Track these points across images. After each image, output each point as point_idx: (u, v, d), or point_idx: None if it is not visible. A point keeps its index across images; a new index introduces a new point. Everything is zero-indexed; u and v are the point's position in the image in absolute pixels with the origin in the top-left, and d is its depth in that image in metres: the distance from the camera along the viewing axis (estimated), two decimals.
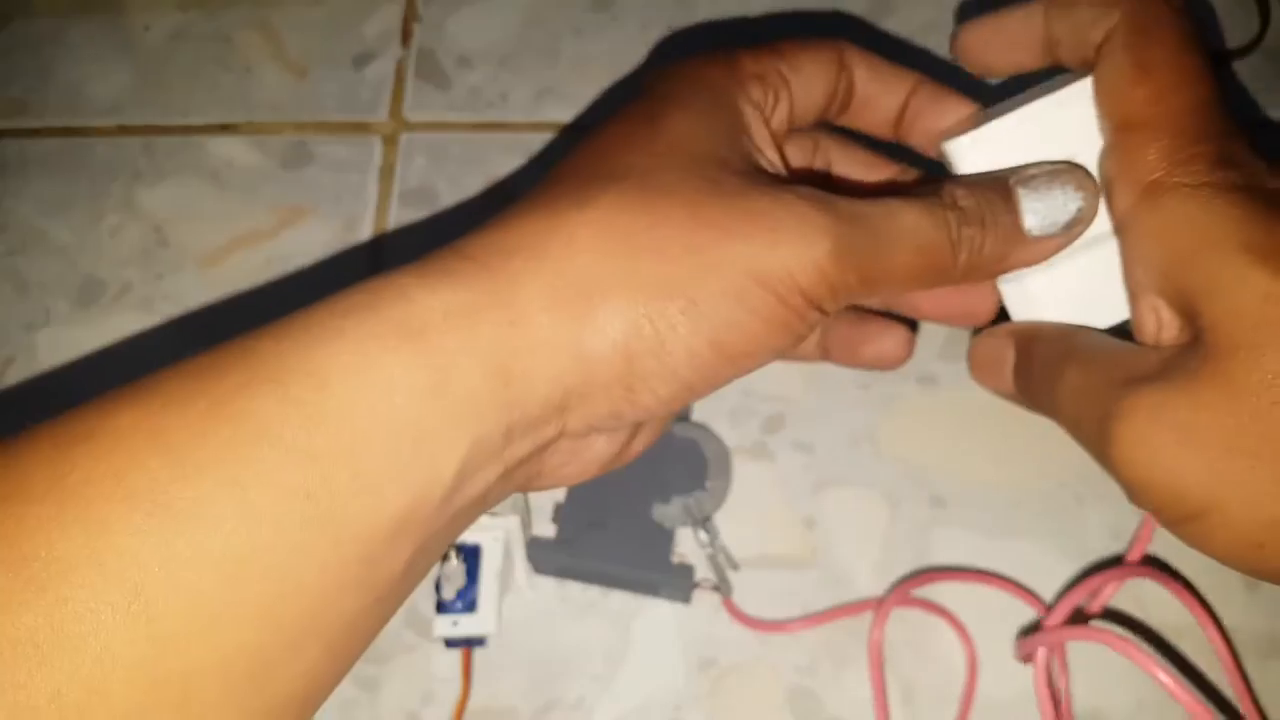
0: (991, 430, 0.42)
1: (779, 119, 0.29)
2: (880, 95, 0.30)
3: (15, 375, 0.45)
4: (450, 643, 0.39)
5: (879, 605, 0.39)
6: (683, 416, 0.43)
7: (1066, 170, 0.27)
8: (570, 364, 0.23)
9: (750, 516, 0.41)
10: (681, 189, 0.24)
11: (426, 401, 0.22)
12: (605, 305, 0.23)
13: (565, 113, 0.49)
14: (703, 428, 0.42)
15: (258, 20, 0.52)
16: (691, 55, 0.29)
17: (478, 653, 0.39)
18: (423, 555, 0.23)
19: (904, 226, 0.25)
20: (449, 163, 0.48)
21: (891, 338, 0.32)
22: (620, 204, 0.24)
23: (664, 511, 0.40)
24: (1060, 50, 0.28)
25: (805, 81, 0.29)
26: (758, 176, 0.26)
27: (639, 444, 0.29)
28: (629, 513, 0.40)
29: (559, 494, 0.41)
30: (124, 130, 0.50)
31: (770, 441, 0.42)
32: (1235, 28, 0.48)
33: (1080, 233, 0.27)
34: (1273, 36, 0.48)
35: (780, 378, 0.43)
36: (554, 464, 0.27)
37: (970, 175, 0.28)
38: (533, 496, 0.41)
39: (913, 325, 0.32)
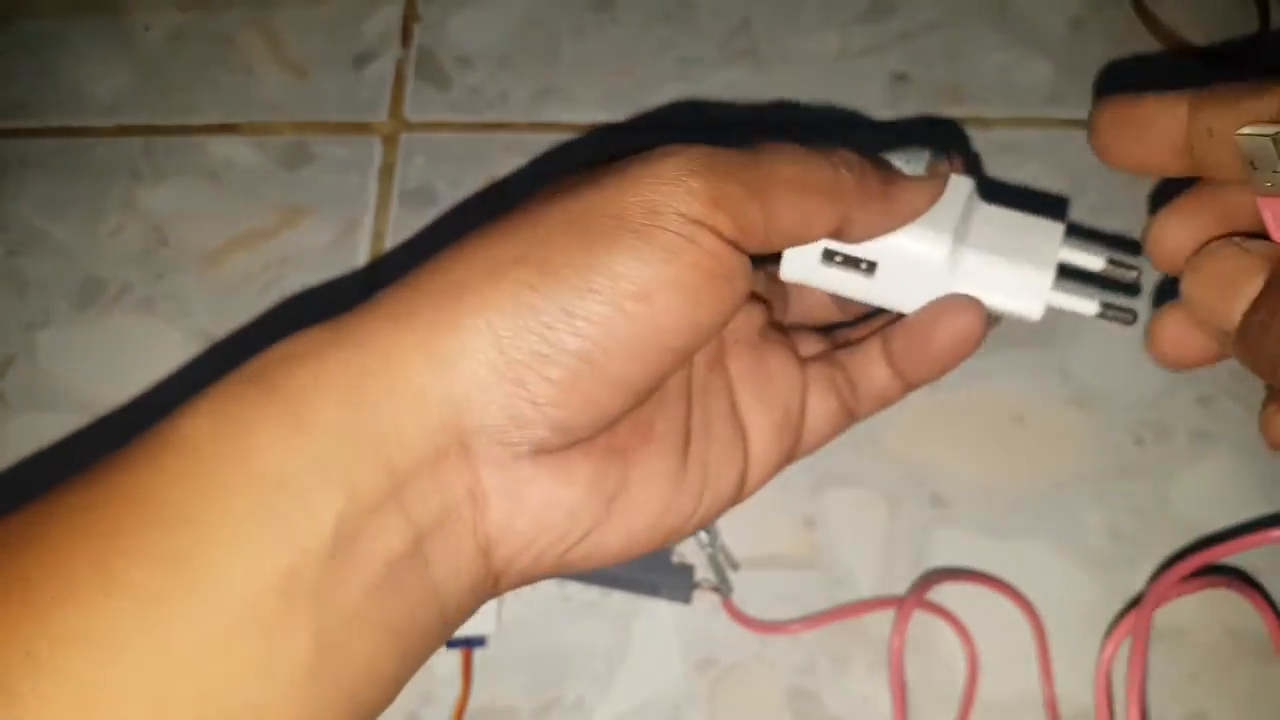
0: (991, 430, 0.42)
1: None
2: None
3: (15, 375, 0.45)
4: (450, 643, 0.39)
5: (900, 605, 0.39)
6: None
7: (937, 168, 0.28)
8: (431, 368, 0.22)
9: (750, 516, 0.41)
10: (568, 206, 0.24)
11: (287, 449, 0.21)
12: (459, 298, 0.22)
13: (565, 113, 0.49)
14: None
15: (258, 20, 0.52)
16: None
17: (478, 653, 0.39)
18: (342, 633, 0.21)
19: (783, 151, 0.25)
20: (449, 163, 0.48)
21: (956, 312, 0.29)
22: (492, 226, 0.24)
23: None
24: (1203, 164, 0.24)
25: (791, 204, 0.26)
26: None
27: (634, 514, 0.26)
28: None
29: None
30: (124, 130, 0.50)
31: None
32: (1235, 28, 0.48)
33: (945, 173, 0.28)
34: (1273, 36, 0.48)
35: None
36: (500, 518, 0.23)
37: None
38: None
39: None
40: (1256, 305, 0.23)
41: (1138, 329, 0.44)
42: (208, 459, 0.21)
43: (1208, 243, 0.25)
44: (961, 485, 0.41)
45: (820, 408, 0.31)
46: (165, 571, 0.19)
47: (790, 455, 0.30)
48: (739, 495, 0.29)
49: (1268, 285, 0.23)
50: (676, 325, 0.23)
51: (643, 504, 0.26)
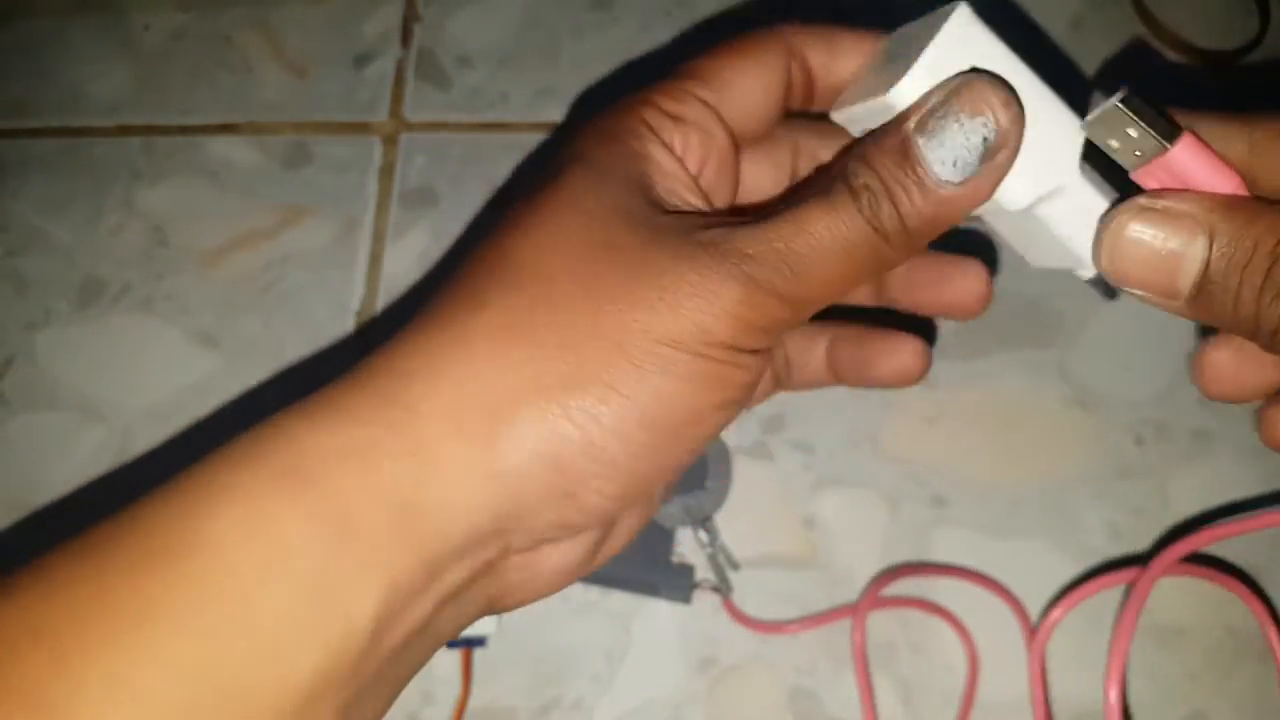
0: (991, 430, 0.42)
1: (699, 154, 0.26)
2: (843, 71, 0.27)
3: (15, 375, 0.45)
4: (450, 643, 0.39)
5: (854, 610, 0.39)
6: None
7: (957, 92, 0.23)
8: (489, 486, 0.22)
9: (750, 516, 0.41)
10: (576, 266, 0.23)
11: (326, 552, 0.20)
12: (515, 416, 0.22)
13: (565, 113, 0.49)
14: None
15: (258, 20, 0.52)
16: (606, 107, 0.27)
17: (478, 653, 0.39)
18: (361, 701, 0.21)
19: (818, 239, 0.23)
20: (449, 163, 0.48)
21: (904, 352, 0.30)
22: (514, 300, 0.23)
23: (664, 511, 0.40)
24: None
25: (740, 93, 0.26)
26: (660, 229, 0.24)
27: (618, 539, 0.27)
28: None
29: None
30: (124, 130, 0.50)
31: (770, 441, 0.42)
32: (1235, 28, 0.48)
33: (1009, 157, 0.23)
34: (1273, 36, 0.48)
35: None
36: (515, 581, 0.25)
37: (872, 134, 0.24)
38: None
39: (929, 332, 0.30)
40: (1207, 276, 0.21)
41: (1137, 328, 0.44)
42: (240, 563, 0.19)
43: (1119, 213, 0.23)
44: (961, 485, 0.41)
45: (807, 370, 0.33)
46: (186, 684, 0.19)
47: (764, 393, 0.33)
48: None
49: (1215, 253, 0.21)
50: (720, 427, 0.24)
51: (628, 529, 0.28)
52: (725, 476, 0.41)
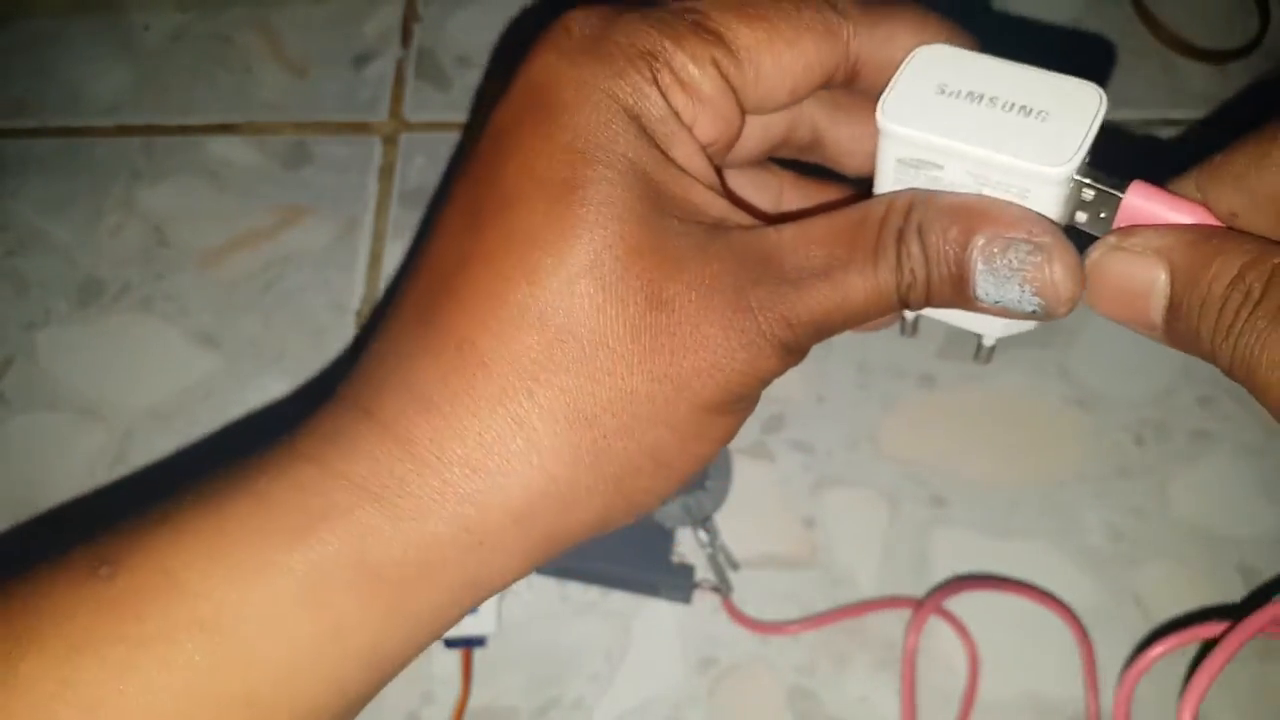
0: (991, 430, 0.42)
1: (705, 134, 0.23)
2: (897, 55, 0.23)
3: (15, 375, 0.45)
4: (450, 643, 0.39)
5: (918, 607, 0.39)
6: None
7: (1035, 259, 0.21)
8: (473, 568, 0.22)
9: (750, 516, 0.41)
10: (612, 339, 0.22)
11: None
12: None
13: None
14: None
15: (258, 20, 0.52)
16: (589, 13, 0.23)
17: (478, 653, 0.39)
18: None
19: (854, 307, 0.22)
20: (449, 163, 0.48)
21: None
22: (575, 383, 0.22)
23: (664, 511, 0.40)
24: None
25: (770, 84, 0.23)
26: (684, 250, 0.22)
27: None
28: None
29: None
30: (124, 130, 0.50)
31: (770, 441, 0.42)
32: (1235, 28, 0.48)
33: (1042, 320, 0.23)
34: (1273, 36, 0.48)
35: (780, 378, 0.43)
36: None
37: (934, 213, 0.22)
38: None
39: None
40: (1175, 312, 0.21)
41: (1136, 335, 0.44)
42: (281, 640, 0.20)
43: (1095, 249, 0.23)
44: (961, 485, 0.41)
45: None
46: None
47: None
48: None
49: (1178, 290, 0.21)
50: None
51: None
52: (725, 476, 0.41)
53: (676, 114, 0.23)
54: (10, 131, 0.50)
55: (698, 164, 0.23)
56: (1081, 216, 0.23)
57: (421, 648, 0.23)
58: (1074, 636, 0.38)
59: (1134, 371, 0.43)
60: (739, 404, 0.23)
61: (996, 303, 0.22)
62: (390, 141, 0.49)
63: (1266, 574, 0.39)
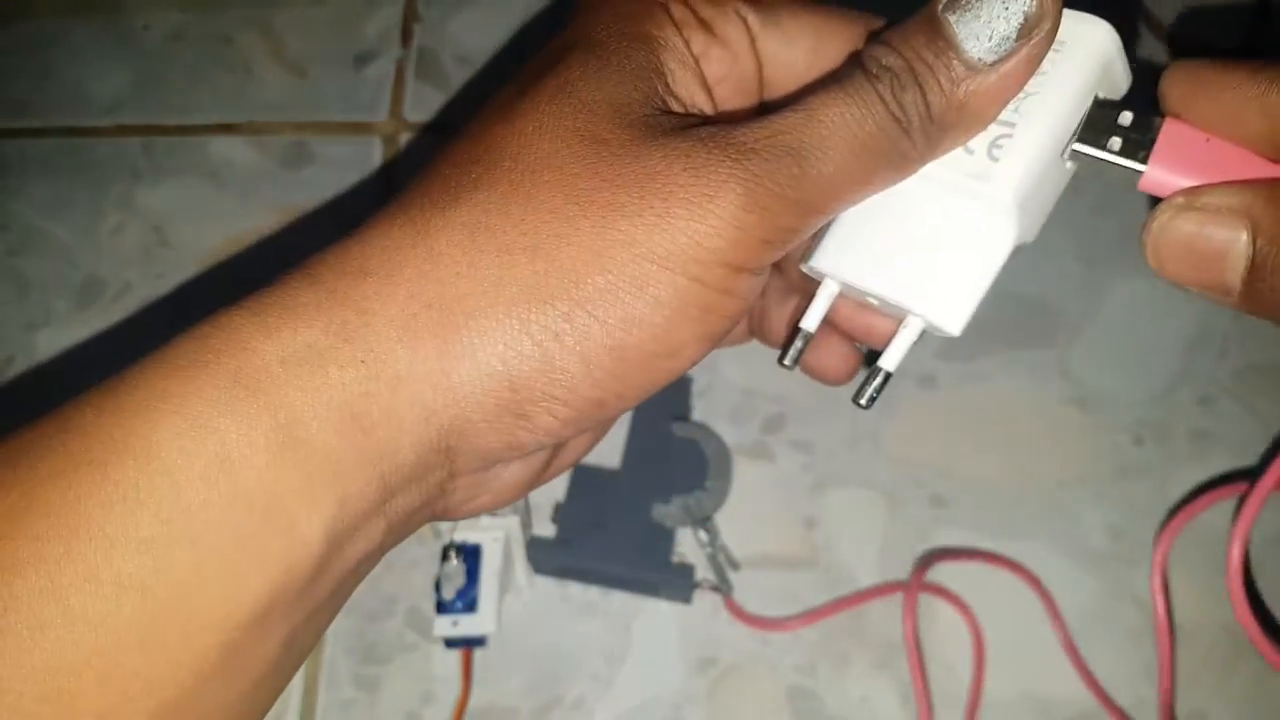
0: (991, 430, 0.42)
1: (716, 73, 0.23)
2: None
3: (15, 375, 0.45)
4: (450, 643, 0.39)
5: (905, 589, 0.39)
6: (682, 416, 0.43)
7: None
8: (439, 399, 0.20)
9: (750, 516, 0.41)
10: (558, 161, 0.20)
11: (273, 466, 0.19)
12: (470, 325, 0.20)
13: None
14: (703, 427, 0.42)
15: (258, 20, 0.52)
16: None
17: (478, 653, 0.39)
18: (308, 626, 0.20)
19: (831, 129, 0.20)
20: None
21: (838, 352, 0.26)
22: (488, 198, 0.20)
23: (664, 511, 0.40)
24: None
25: (791, 49, 0.23)
26: (657, 126, 0.21)
27: (567, 458, 0.26)
28: (629, 513, 0.40)
29: (559, 494, 0.41)
30: (124, 130, 0.50)
31: (770, 441, 0.42)
32: (1235, 28, 0.48)
33: (1049, 35, 0.21)
34: (1273, 36, 0.48)
35: (780, 378, 0.43)
36: (459, 500, 0.23)
37: (894, 25, 0.22)
38: (532, 496, 0.41)
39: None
40: (1257, 273, 0.20)
41: (1137, 328, 0.44)
42: (182, 475, 0.18)
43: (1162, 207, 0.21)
44: (961, 485, 0.41)
45: None
46: (124, 602, 0.17)
47: None
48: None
49: (1261, 252, 0.20)
50: (694, 362, 0.22)
51: (578, 450, 0.26)
52: (725, 476, 0.41)
53: (687, 44, 0.22)
54: (10, 131, 0.50)
55: (698, 82, 0.23)
56: (1115, 142, 0.22)
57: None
58: (1038, 598, 0.38)
59: (1134, 371, 0.43)
60: (706, 267, 0.20)
61: (989, 37, 0.20)
62: (390, 141, 0.49)
63: (1266, 574, 0.39)
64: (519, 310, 0.20)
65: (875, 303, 0.23)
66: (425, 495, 0.21)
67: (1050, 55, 0.22)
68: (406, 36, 0.51)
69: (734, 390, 0.43)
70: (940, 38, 0.21)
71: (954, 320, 0.22)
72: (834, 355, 0.26)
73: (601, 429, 0.26)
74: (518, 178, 0.21)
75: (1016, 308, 0.44)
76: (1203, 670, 0.38)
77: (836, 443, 0.42)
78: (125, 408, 0.19)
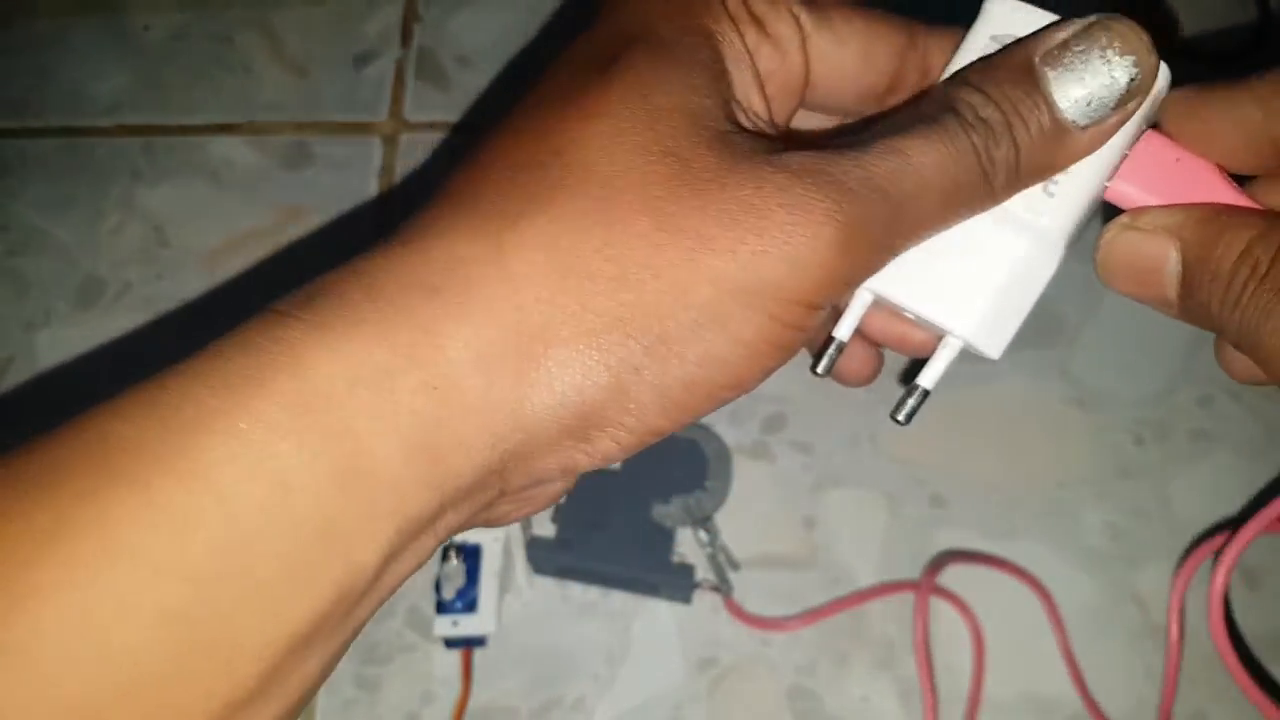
0: (991, 430, 0.42)
1: (766, 70, 0.23)
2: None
3: (15, 375, 0.45)
4: (450, 643, 0.39)
5: (917, 591, 0.39)
6: None
7: (1101, 24, 0.21)
8: (508, 426, 0.19)
9: (750, 516, 0.41)
10: (638, 179, 0.19)
11: (336, 498, 0.18)
12: (550, 355, 0.19)
13: None
14: (703, 428, 0.42)
15: (258, 20, 0.52)
16: None
17: (478, 653, 0.39)
18: (345, 645, 0.20)
19: (925, 176, 0.20)
20: (449, 163, 0.48)
21: (863, 356, 0.27)
22: (565, 214, 0.19)
23: (664, 511, 0.40)
24: None
25: (841, 51, 0.23)
26: (738, 147, 0.20)
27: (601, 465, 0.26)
28: (629, 513, 0.40)
29: None
30: (124, 130, 0.50)
31: (770, 441, 0.42)
32: (1235, 28, 0.48)
33: (1139, 105, 0.21)
34: (1273, 36, 0.48)
35: (780, 377, 0.43)
36: (500, 513, 0.23)
37: (984, 64, 0.22)
38: None
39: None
40: (1188, 288, 0.21)
41: (1137, 328, 0.44)
42: (236, 502, 0.17)
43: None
44: (961, 485, 0.41)
45: None
46: (162, 633, 0.16)
47: None
48: None
49: (1190, 268, 0.21)
50: (750, 389, 0.22)
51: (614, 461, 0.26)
52: (725, 476, 0.41)
53: (742, 38, 0.22)
54: (10, 131, 0.50)
55: (757, 90, 0.22)
56: None
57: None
58: (1043, 608, 0.38)
59: (1134, 371, 0.42)
60: (788, 306, 0.20)
61: (1088, 102, 0.20)
62: (390, 141, 0.49)
63: (1266, 574, 0.39)
64: (600, 343, 0.19)
65: (912, 317, 0.24)
66: (472, 511, 0.21)
67: None
68: (406, 36, 0.51)
69: None
70: (1038, 93, 0.21)
71: (995, 345, 0.23)
72: (859, 360, 0.26)
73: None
74: (596, 192, 0.20)
75: None
76: (1202, 671, 0.38)
77: (836, 443, 0.42)
78: (170, 425, 0.17)
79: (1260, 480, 0.40)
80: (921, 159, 0.20)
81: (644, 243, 0.19)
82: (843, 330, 0.24)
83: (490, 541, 0.39)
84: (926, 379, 0.24)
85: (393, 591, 0.20)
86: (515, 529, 0.39)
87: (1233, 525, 0.36)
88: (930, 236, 0.21)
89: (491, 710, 0.39)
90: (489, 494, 0.20)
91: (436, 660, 0.40)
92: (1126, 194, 0.22)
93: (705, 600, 0.40)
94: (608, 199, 0.19)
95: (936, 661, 0.39)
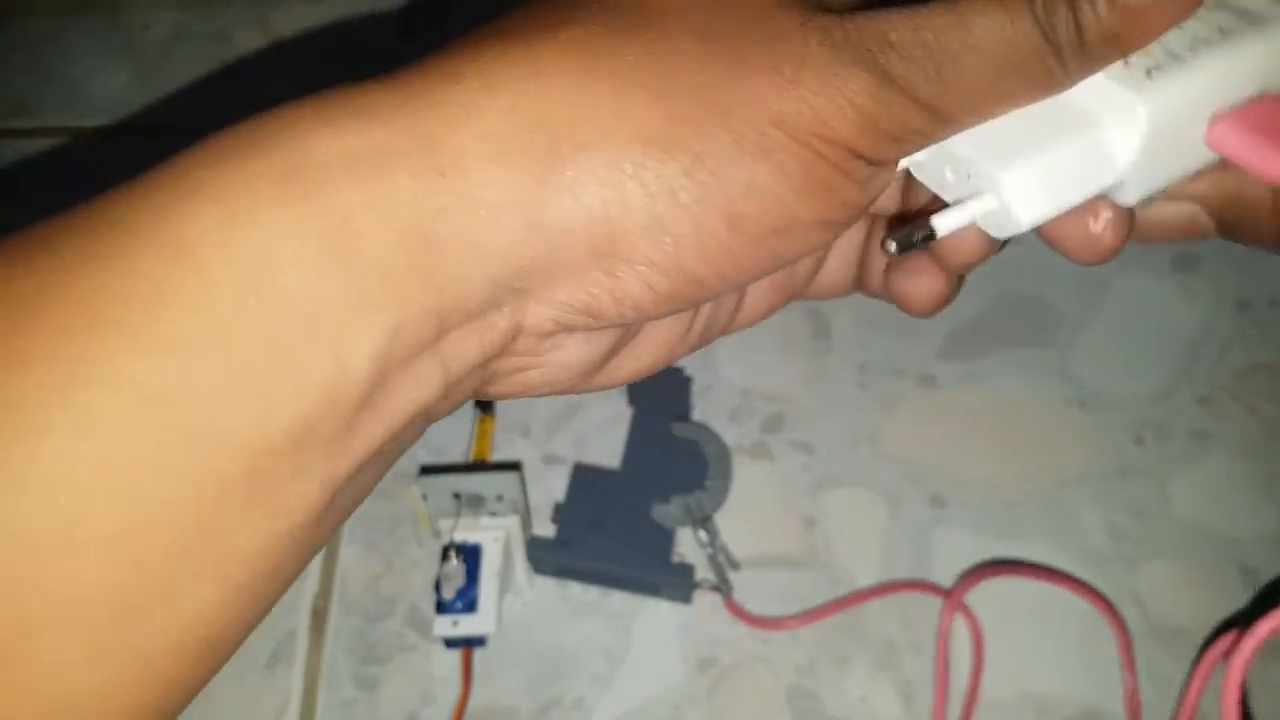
0: (991, 430, 0.42)
1: None
2: None
3: None
4: (450, 643, 0.39)
5: (948, 596, 0.39)
6: (682, 416, 0.43)
7: None
8: (525, 233, 0.18)
9: (750, 516, 0.41)
10: (687, 6, 0.19)
11: (323, 276, 0.16)
12: (578, 159, 0.17)
13: None
14: (703, 427, 0.42)
15: (258, 20, 0.52)
16: None
17: (478, 653, 0.39)
18: (349, 485, 0.18)
19: (977, 39, 0.19)
20: None
21: (932, 280, 0.24)
22: (607, 19, 0.18)
23: (664, 511, 0.40)
24: None
25: None
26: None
27: (627, 364, 0.23)
28: (629, 513, 0.40)
29: (559, 494, 0.41)
30: (124, 130, 0.50)
31: (770, 441, 0.42)
32: None
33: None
34: None
35: (780, 378, 0.43)
36: (512, 365, 0.21)
37: None
38: (533, 496, 0.41)
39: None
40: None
41: (1137, 328, 0.44)
42: (218, 274, 0.16)
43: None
44: (961, 485, 0.41)
45: (835, 260, 0.26)
46: (144, 410, 0.15)
47: (793, 296, 0.27)
48: (730, 327, 0.26)
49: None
50: (805, 252, 0.20)
51: (647, 350, 0.24)
52: (725, 476, 0.41)
53: None
54: (10, 131, 0.50)
55: None
56: None
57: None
58: (1110, 625, 0.38)
59: (1134, 371, 0.43)
60: (827, 144, 0.18)
61: None
62: None
63: (1266, 574, 0.39)
64: (634, 154, 0.18)
65: (952, 179, 0.21)
66: (484, 346, 0.19)
67: (1250, 21, 0.20)
68: (406, 36, 0.51)
69: (734, 390, 0.43)
70: None
71: (1027, 211, 0.20)
72: (929, 281, 0.24)
73: (681, 333, 0.24)
74: (638, 14, 0.18)
75: (1016, 307, 0.44)
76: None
77: (836, 443, 0.42)
78: (159, 197, 0.17)
79: (1260, 481, 0.40)
80: (976, 19, 0.19)
81: (685, 59, 0.18)
82: (942, 221, 0.21)
83: (490, 541, 0.39)
84: (939, 222, 0.22)
85: (401, 439, 0.19)
86: (515, 529, 0.39)
87: (1240, 624, 0.35)
88: (999, 111, 0.20)
89: (491, 710, 0.39)
90: (503, 322, 0.19)
91: (436, 660, 0.40)
92: (1228, 139, 0.20)
93: (705, 600, 0.40)
94: (652, 17, 0.18)
95: (936, 661, 0.39)
